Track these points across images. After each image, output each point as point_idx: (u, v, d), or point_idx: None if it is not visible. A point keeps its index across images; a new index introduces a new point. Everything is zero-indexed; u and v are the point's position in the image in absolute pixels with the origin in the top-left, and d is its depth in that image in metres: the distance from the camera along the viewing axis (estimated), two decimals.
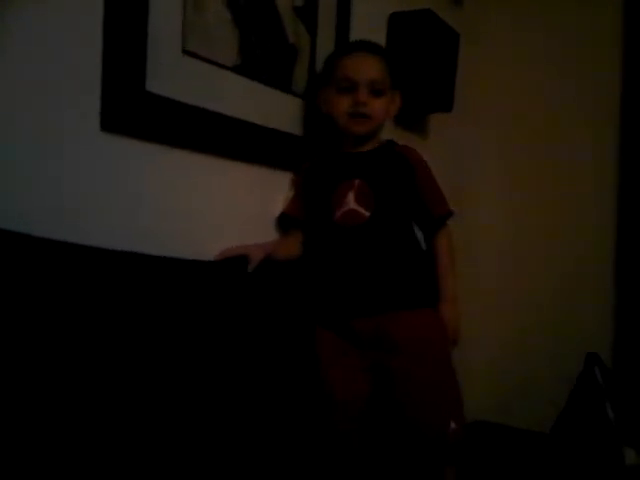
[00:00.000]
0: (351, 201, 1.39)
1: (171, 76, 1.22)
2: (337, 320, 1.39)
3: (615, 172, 2.14)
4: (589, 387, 1.67)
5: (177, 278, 1.16)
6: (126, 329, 1.03)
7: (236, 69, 1.37)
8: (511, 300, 2.31)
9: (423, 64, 1.88)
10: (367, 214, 1.38)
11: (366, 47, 1.50)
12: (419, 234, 1.47)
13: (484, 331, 2.30)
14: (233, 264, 1.29)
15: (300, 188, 1.51)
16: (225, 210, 1.39)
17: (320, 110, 1.51)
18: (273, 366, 1.29)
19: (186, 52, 1.25)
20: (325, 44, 1.62)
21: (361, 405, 1.38)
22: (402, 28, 1.89)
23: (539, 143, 2.30)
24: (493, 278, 2.32)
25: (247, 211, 1.44)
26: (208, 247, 1.30)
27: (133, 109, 1.15)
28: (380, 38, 1.91)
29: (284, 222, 1.51)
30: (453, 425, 1.34)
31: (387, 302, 1.36)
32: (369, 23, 1.83)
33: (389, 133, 1.61)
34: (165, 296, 1.12)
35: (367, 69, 1.44)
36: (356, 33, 1.72)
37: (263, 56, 1.44)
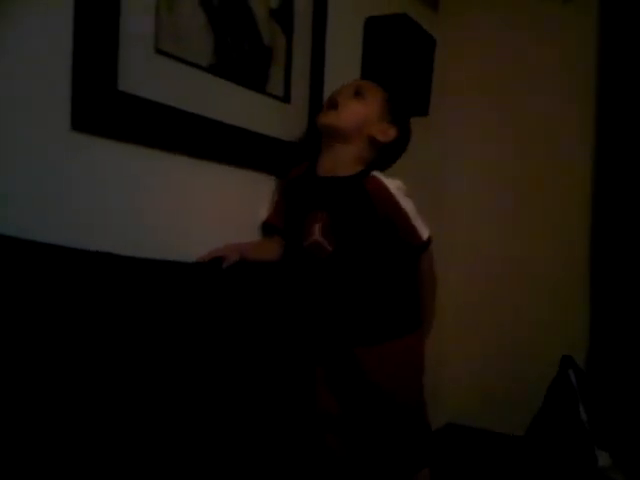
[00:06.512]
0: (316, 233, 1.39)
1: (144, 75, 1.20)
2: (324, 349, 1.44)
3: (591, 174, 2.16)
4: (563, 390, 1.68)
5: (150, 280, 1.14)
6: (102, 332, 1.01)
7: (211, 69, 1.36)
8: (487, 303, 2.32)
9: (399, 68, 1.89)
10: (330, 249, 1.39)
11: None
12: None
13: (460, 335, 2.31)
14: (209, 267, 1.28)
15: (282, 199, 1.52)
16: (200, 211, 1.37)
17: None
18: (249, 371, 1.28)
19: (159, 51, 1.24)
20: (301, 46, 1.62)
21: (343, 417, 1.44)
22: (378, 32, 1.90)
23: (515, 149, 2.32)
24: (472, 280, 2.34)
25: (222, 212, 1.43)
26: (184, 248, 1.29)
27: (104, 108, 1.13)
28: (356, 42, 1.92)
29: (267, 230, 1.52)
30: None
31: (357, 338, 1.40)
32: (345, 26, 1.83)
33: None
34: (140, 298, 1.10)
35: (358, 82, 1.49)
36: (332, 36, 1.73)
37: (238, 57, 1.43)
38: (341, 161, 1.44)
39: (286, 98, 1.59)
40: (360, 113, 1.45)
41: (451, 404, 2.28)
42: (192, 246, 1.31)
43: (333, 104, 1.46)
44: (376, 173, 1.41)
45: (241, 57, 1.44)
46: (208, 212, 1.40)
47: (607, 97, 2.10)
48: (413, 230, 1.42)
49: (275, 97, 1.55)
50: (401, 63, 1.90)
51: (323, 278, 1.41)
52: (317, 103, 1.67)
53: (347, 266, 1.39)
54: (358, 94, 1.46)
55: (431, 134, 2.25)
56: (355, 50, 1.92)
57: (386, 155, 1.50)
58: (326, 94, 1.66)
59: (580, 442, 1.60)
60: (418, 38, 1.96)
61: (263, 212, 1.54)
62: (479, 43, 2.37)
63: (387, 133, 1.47)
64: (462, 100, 2.36)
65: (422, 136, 2.15)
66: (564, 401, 1.66)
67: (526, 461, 1.66)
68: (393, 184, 1.40)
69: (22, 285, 0.93)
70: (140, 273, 1.12)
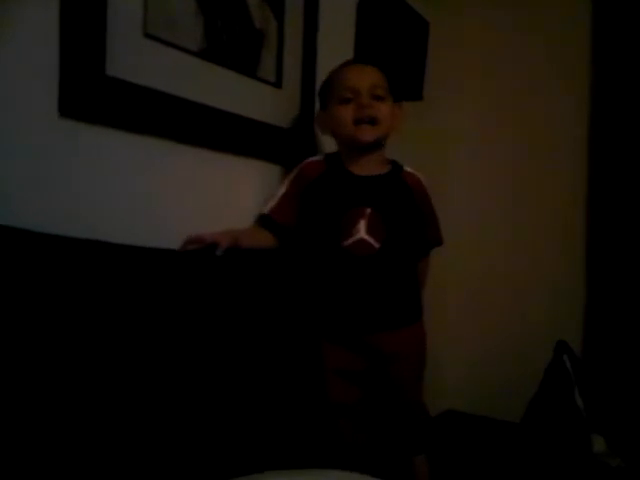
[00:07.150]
0: (362, 230, 1.37)
1: (132, 60, 1.18)
2: (347, 335, 1.42)
3: (585, 162, 2.16)
4: (558, 375, 1.68)
5: (145, 267, 1.13)
6: (96, 320, 0.99)
7: (201, 54, 1.33)
8: (486, 292, 2.32)
9: (392, 52, 1.87)
10: (377, 245, 1.38)
11: (361, 60, 1.55)
12: None
13: (459, 323, 2.31)
14: (201, 254, 1.26)
15: (296, 198, 1.45)
16: (190, 197, 1.35)
17: (319, 132, 1.56)
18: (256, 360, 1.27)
19: (148, 36, 1.21)
20: (293, 30, 1.59)
21: (356, 406, 1.45)
22: (371, 15, 1.88)
23: (508, 133, 2.31)
24: (471, 269, 2.33)
25: (213, 199, 1.41)
26: (173, 235, 1.27)
27: (93, 94, 1.11)
28: (349, 25, 1.89)
29: (264, 223, 1.47)
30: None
31: (392, 322, 1.43)
32: (338, 9, 1.80)
33: None
34: (134, 285, 1.08)
35: (366, 76, 1.44)
36: (324, 20, 1.70)
37: (229, 41, 1.41)
38: (374, 160, 1.46)
39: (278, 83, 1.57)
40: (390, 115, 1.45)
41: (451, 391, 2.29)
42: (181, 232, 1.29)
43: (369, 118, 1.40)
44: (407, 168, 1.48)
45: (232, 41, 1.41)
46: (199, 199, 1.37)
47: (602, 91, 2.10)
48: (438, 225, 1.54)
49: (266, 82, 1.53)
50: (394, 46, 1.88)
51: (368, 274, 1.39)
52: (309, 88, 1.65)
53: (394, 261, 1.41)
54: (377, 96, 1.42)
55: (426, 120, 2.23)
56: (348, 33, 1.89)
57: None
58: (319, 79, 1.63)
59: (575, 427, 1.60)
60: (411, 21, 1.94)
61: (254, 199, 1.51)
62: (474, 27, 2.34)
63: (399, 117, 1.49)
64: (458, 85, 2.34)
65: (415, 120, 2.14)
66: (559, 386, 1.66)
67: (522, 447, 1.66)
68: (423, 178, 1.49)
69: (10, 273, 0.91)
70: (127, 260, 1.10)
